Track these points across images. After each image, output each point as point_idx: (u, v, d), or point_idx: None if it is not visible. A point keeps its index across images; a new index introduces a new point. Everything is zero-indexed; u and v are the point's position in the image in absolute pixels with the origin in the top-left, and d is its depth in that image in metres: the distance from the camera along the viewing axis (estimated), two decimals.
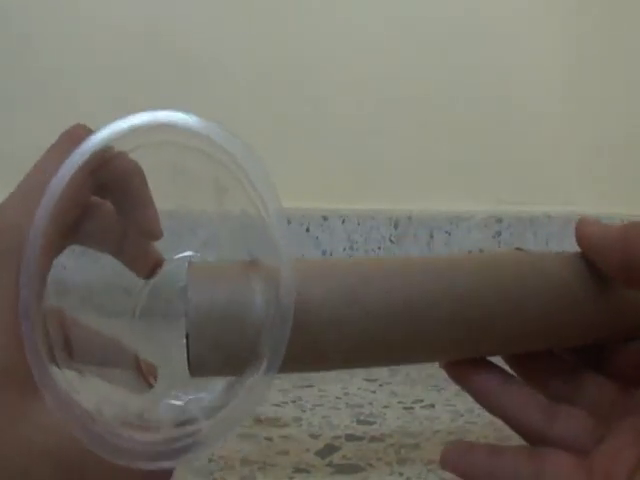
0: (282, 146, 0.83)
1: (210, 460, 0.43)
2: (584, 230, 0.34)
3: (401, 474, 0.42)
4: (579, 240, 0.34)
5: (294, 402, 0.55)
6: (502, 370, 0.35)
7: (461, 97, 0.83)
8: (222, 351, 0.29)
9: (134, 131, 0.27)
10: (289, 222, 0.80)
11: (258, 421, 0.50)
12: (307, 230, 0.80)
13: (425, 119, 0.83)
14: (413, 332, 0.31)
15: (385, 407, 0.55)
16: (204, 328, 0.29)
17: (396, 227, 0.81)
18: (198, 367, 0.30)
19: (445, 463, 0.34)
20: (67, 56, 0.81)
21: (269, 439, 0.47)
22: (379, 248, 0.81)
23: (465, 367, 0.34)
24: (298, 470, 0.42)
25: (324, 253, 0.80)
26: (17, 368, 0.26)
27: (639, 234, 0.31)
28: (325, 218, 0.80)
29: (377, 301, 0.31)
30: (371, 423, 0.51)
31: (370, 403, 0.55)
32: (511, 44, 0.83)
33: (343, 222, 0.81)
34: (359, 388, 0.59)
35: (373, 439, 0.47)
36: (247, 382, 0.27)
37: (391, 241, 0.81)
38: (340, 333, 0.31)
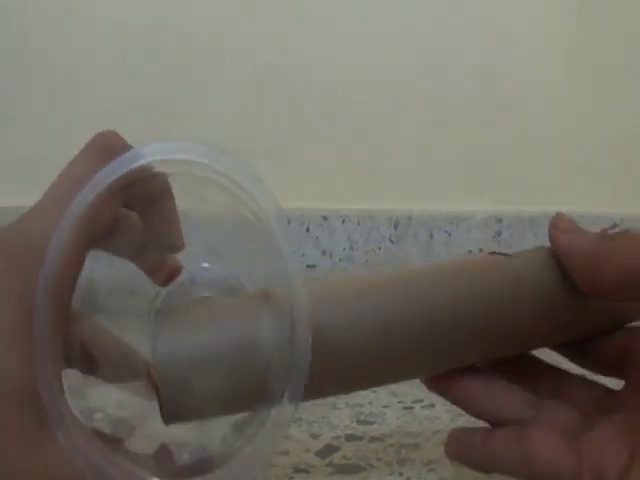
0: (282, 147, 0.83)
1: None
2: (556, 235, 0.34)
3: (401, 474, 0.42)
4: (551, 242, 0.34)
5: None
6: (483, 372, 0.35)
7: (461, 98, 0.83)
8: (200, 395, 0.29)
9: (166, 161, 0.27)
10: (289, 222, 0.80)
11: None
12: (307, 230, 0.80)
13: (425, 119, 0.83)
14: (408, 348, 0.32)
15: (385, 407, 0.54)
16: (173, 376, 0.28)
17: (396, 227, 0.81)
18: (172, 416, 0.29)
19: (448, 453, 0.36)
20: (69, 55, 0.81)
21: None
22: (379, 248, 0.81)
23: (445, 377, 0.35)
24: (298, 470, 0.42)
25: (324, 253, 0.80)
26: (33, 391, 0.25)
27: (608, 257, 0.31)
28: (325, 218, 0.80)
29: (374, 322, 0.31)
30: (371, 423, 0.51)
31: (370, 403, 0.55)
32: (511, 45, 0.83)
33: (343, 222, 0.81)
34: None
35: (373, 439, 0.47)
36: (263, 418, 0.26)
37: (391, 241, 0.81)
38: (347, 357, 0.31)
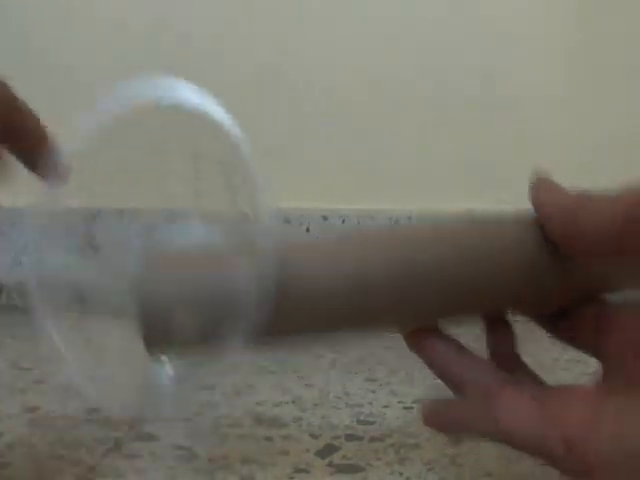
0: (282, 146, 0.83)
1: (210, 460, 0.43)
2: (536, 195, 0.34)
3: (401, 474, 0.42)
4: (532, 203, 0.34)
5: (294, 402, 0.55)
6: (456, 340, 0.36)
7: (461, 97, 0.83)
8: (179, 327, 0.31)
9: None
10: (289, 221, 0.80)
11: (258, 421, 0.50)
12: (307, 230, 0.80)
13: (425, 119, 0.83)
14: (386, 301, 0.33)
15: (385, 407, 0.55)
16: (155, 308, 0.31)
17: None
18: (153, 345, 0.32)
19: (426, 421, 0.36)
20: (68, 54, 0.81)
21: (269, 439, 0.47)
22: None
23: (423, 336, 0.36)
24: (298, 470, 0.42)
25: None
26: None
27: (587, 211, 0.31)
28: (325, 218, 0.80)
29: (362, 272, 0.32)
30: (371, 423, 0.51)
31: (370, 403, 0.55)
32: (511, 45, 0.83)
33: (343, 222, 0.81)
34: (359, 388, 0.59)
35: (373, 439, 0.47)
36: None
37: None
38: (330, 302, 0.32)
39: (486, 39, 0.83)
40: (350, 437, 0.48)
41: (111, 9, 0.82)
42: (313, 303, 0.32)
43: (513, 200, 0.82)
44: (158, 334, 0.31)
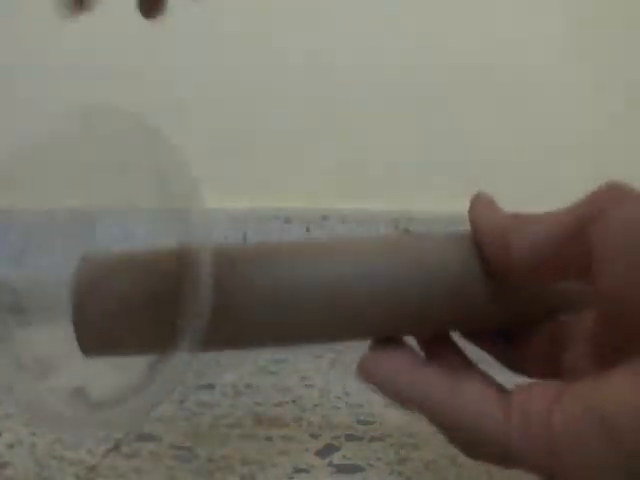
0: (282, 146, 0.83)
1: (210, 460, 0.43)
2: (472, 213, 0.33)
3: (401, 474, 0.42)
4: (469, 221, 0.33)
5: (294, 402, 0.55)
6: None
7: (461, 97, 0.83)
8: (115, 330, 0.31)
9: None
10: (289, 221, 0.80)
11: (258, 421, 0.50)
12: (307, 230, 0.80)
13: (425, 119, 0.83)
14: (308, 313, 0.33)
15: (385, 407, 0.55)
16: (89, 309, 0.31)
17: (396, 227, 0.81)
18: (88, 348, 0.32)
19: (362, 371, 0.33)
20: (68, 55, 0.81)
21: (269, 439, 0.47)
22: None
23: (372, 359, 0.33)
24: (298, 470, 0.42)
25: None
26: None
27: (520, 232, 0.31)
28: (325, 218, 0.80)
29: (296, 286, 0.32)
30: (371, 423, 0.51)
31: (370, 403, 0.55)
32: (512, 45, 0.83)
33: (343, 222, 0.81)
34: (359, 388, 0.59)
35: (373, 439, 0.47)
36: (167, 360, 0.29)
37: None
38: (265, 316, 0.32)
39: (487, 41, 0.83)
40: (350, 437, 0.48)
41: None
42: (242, 312, 0.32)
43: (513, 200, 0.83)
44: (93, 338, 0.32)
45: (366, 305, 0.33)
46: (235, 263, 0.33)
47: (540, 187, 0.85)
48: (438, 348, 0.35)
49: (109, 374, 0.34)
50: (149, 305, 0.31)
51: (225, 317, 0.32)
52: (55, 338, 0.33)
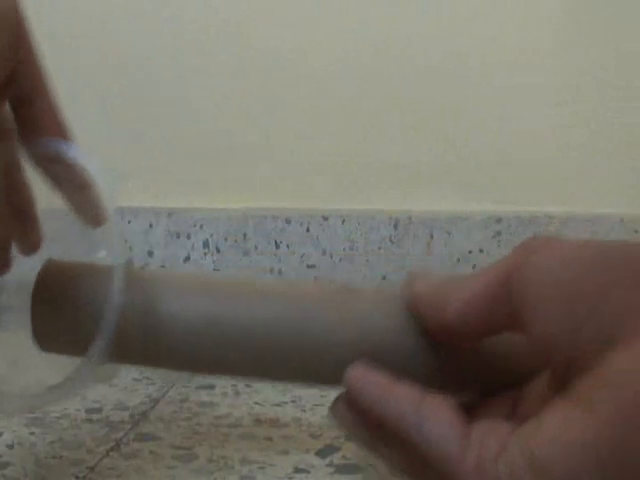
0: (281, 146, 0.83)
1: (210, 460, 0.43)
2: (410, 288, 0.34)
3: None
4: (406, 285, 0.34)
5: (294, 402, 0.55)
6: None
7: (461, 96, 0.83)
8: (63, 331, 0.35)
9: None
10: (289, 222, 0.80)
11: (258, 421, 0.50)
12: (307, 230, 0.80)
13: (424, 118, 0.83)
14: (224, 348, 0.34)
15: None
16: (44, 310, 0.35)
17: (396, 227, 0.81)
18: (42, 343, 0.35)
19: (347, 378, 0.33)
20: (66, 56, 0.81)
21: (269, 439, 0.47)
22: (379, 248, 0.81)
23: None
24: (298, 470, 0.42)
25: (324, 253, 0.80)
26: None
27: (451, 293, 0.32)
28: (325, 218, 0.80)
29: (218, 321, 0.34)
30: None
31: None
32: (514, 46, 0.83)
33: (343, 222, 0.81)
34: None
35: None
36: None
37: (391, 241, 0.81)
38: (190, 345, 0.34)
39: (490, 43, 0.83)
40: (349, 437, 0.48)
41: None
42: (165, 337, 0.34)
43: (513, 200, 0.82)
44: (45, 337, 0.35)
45: (290, 351, 0.34)
46: (166, 288, 0.35)
47: (540, 186, 0.85)
48: None
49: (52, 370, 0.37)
50: (74, 313, 0.35)
51: (144, 337, 0.34)
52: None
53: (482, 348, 0.35)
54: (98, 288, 0.34)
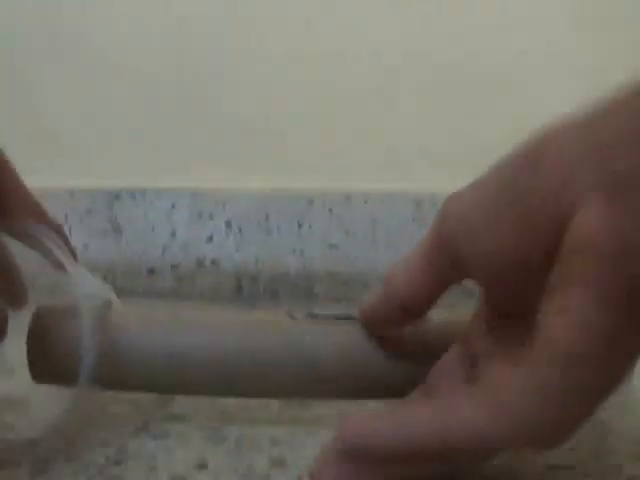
0: (303, 127, 0.82)
1: (239, 441, 0.43)
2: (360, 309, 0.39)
3: None
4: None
5: None
6: None
7: (485, 84, 0.82)
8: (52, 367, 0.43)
9: None
10: (311, 202, 0.80)
11: (286, 401, 0.50)
12: (330, 211, 0.80)
13: (448, 99, 0.82)
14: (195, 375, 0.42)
15: None
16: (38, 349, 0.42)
17: (419, 207, 0.80)
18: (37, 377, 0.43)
19: (345, 433, 0.33)
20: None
21: (297, 420, 0.47)
22: (402, 228, 0.80)
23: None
24: None
25: (347, 233, 0.80)
26: None
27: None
28: (348, 198, 0.80)
29: (181, 354, 0.42)
30: None
31: None
32: (523, 49, 0.82)
33: (366, 202, 0.80)
34: None
35: None
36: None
37: (414, 221, 0.80)
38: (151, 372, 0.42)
39: (498, 47, 0.82)
40: None
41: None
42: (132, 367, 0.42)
43: None
44: (39, 371, 0.43)
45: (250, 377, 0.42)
46: (131, 327, 0.43)
47: None
48: None
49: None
50: (61, 350, 0.42)
51: (123, 366, 0.42)
52: None
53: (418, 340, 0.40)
54: (78, 330, 0.40)
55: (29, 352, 0.42)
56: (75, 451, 0.42)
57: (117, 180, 0.83)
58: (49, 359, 0.42)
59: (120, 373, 0.42)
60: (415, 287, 0.36)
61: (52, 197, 0.81)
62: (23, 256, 0.46)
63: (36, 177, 0.83)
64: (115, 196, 0.82)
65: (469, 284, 0.35)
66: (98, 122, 0.84)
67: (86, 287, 0.42)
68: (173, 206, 0.81)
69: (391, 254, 0.80)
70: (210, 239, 0.81)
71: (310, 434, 0.44)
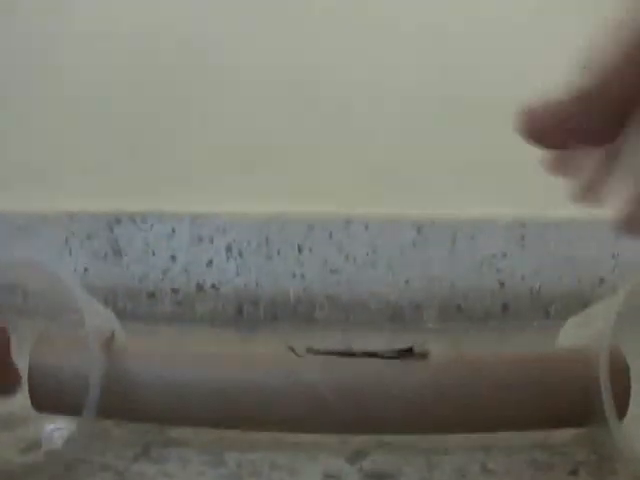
0: (304, 151, 0.83)
1: (239, 465, 0.43)
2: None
3: None
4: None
5: None
6: None
7: (482, 97, 0.82)
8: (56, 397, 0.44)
9: None
10: (312, 227, 0.80)
11: None
12: (330, 236, 0.80)
13: (448, 120, 0.82)
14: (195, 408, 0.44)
15: None
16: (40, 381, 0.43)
17: (419, 232, 0.80)
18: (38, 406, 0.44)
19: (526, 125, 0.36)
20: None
21: (297, 444, 0.46)
22: (402, 253, 0.80)
23: None
24: (328, 476, 0.42)
25: (347, 258, 0.80)
26: None
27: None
28: (348, 223, 0.80)
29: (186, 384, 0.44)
30: None
31: None
32: (527, 47, 0.82)
33: (366, 228, 0.80)
34: None
35: (402, 445, 0.47)
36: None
37: (414, 246, 0.80)
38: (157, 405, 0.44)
39: (504, 44, 0.82)
40: (379, 443, 0.47)
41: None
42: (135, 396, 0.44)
43: (536, 204, 0.82)
44: (40, 399, 0.44)
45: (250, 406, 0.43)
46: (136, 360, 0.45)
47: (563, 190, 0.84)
48: None
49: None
50: (64, 380, 0.43)
51: (125, 397, 0.44)
52: None
53: None
54: (82, 360, 0.42)
55: (30, 380, 0.43)
56: (75, 476, 0.41)
57: (118, 204, 0.83)
58: (51, 390, 0.43)
59: (122, 403, 0.44)
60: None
61: (53, 221, 0.82)
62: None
63: (37, 201, 0.85)
64: (116, 220, 0.82)
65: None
66: (99, 146, 0.84)
67: (94, 317, 0.43)
68: (173, 230, 0.81)
69: (391, 279, 0.80)
70: (210, 263, 0.81)
71: (310, 459, 0.44)
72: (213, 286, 0.81)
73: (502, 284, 0.80)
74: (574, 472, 0.42)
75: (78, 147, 0.85)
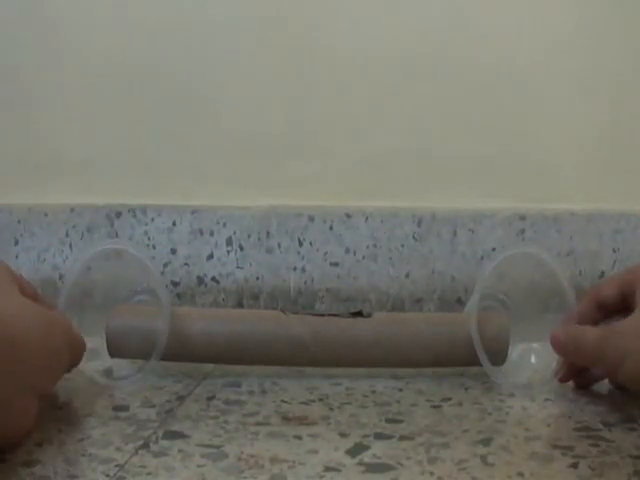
0: (304, 144, 0.83)
1: (239, 459, 0.43)
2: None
3: (432, 473, 0.41)
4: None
5: (321, 400, 0.55)
6: None
7: (484, 95, 0.82)
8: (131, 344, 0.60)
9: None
10: (312, 219, 0.80)
11: (286, 419, 0.50)
12: (330, 228, 0.80)
13: (447, 114, 0.82)
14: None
15: (413, 405, 0.54)
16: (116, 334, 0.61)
17: (419, 225, 0.80)
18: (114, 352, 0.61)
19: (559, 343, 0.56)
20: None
21: (298, 437, 0.47)
22: (402, 246, 0.80)
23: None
24: (328, 469, 0.42)
25: (347, 251, 0.80)
26: None
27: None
28: (348, 216, 0.80)
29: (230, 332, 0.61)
30: (399, 422, 0.50)
31: (398, 401, 0.55)
32: (529, 43, 0.82)
33: (366, 220, 0.80)
34: (385, 386, 0.59)
35: (402, 438, 0.47)
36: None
37: (414, 239, 0.80)
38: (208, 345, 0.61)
39: (506, 41, 0.82)
40: (379, 436, 0.47)
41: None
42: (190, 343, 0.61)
43: (536, 197, 0.82)
44: (115, 349, 0.61)
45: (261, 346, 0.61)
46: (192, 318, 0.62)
47: (563, 184, 0.85)
48: None
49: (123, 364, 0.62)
50: (139, 332, 0.60)
51: (182, 344, 0.61)
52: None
53: None
54: (150, 320, 0.60)
55: (107, 334, 0.60)
56: (76, 469, 0.41)
57: (118, 197, 0.83)
58: (123, 340, 0.60)
59: (174, 349, 0.60)
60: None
61: (53, 214, 0.82)
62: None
63: (38, 194, 0.85)
64: (116, 213, 0.82)
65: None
66: (99, 140, 0.84)
67: (163, 291, 0.60)
68: (174, 223, 0.81)
69: (392, 272, 0.80)
70: (211, 256, 0.81)
71: (310, 452, 0.44)
72: (214, 279, 0.81)
73: None
74: (574, 465, 0.43)
75: (78, 140, 0.85)
